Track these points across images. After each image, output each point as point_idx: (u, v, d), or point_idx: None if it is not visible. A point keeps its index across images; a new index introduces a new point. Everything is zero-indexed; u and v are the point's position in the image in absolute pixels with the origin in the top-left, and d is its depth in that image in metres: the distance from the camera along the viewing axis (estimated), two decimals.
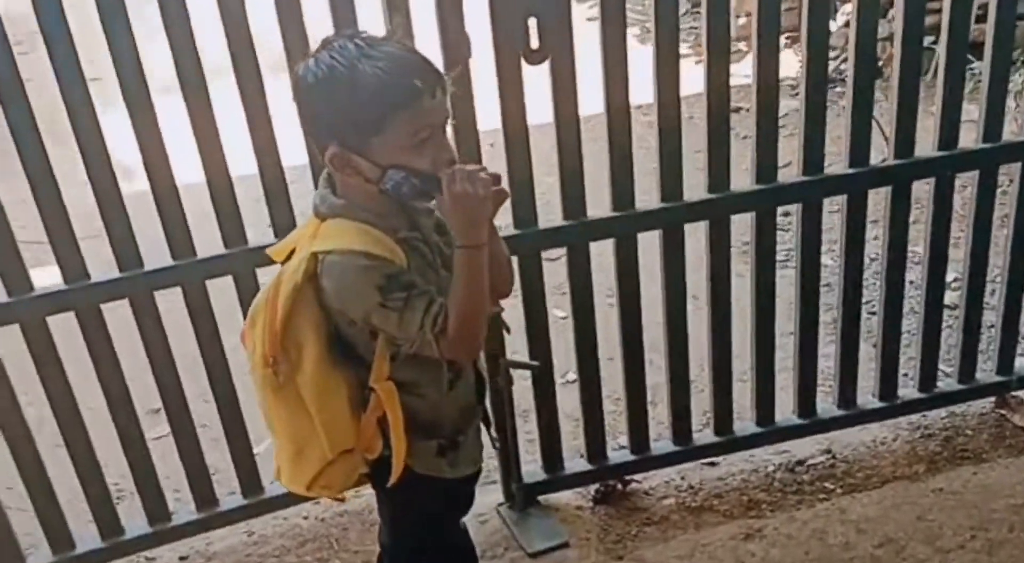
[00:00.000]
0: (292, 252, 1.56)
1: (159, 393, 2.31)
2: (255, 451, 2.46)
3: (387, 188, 1.47)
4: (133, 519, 2.45)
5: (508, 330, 2.19)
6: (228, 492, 2.51)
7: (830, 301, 2.67)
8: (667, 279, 2.39)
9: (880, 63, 3.57)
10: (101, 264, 2.20)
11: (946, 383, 2.76)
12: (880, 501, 2.48)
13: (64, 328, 2.20)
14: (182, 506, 2.48)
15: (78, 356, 2.22)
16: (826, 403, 2.69)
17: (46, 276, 2.22)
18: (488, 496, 2.56)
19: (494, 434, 1.84)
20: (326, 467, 1.59)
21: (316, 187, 1.60)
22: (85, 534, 2.40)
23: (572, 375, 2.56)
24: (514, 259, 2.20)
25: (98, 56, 1.99)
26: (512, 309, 2.21)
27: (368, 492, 1.82)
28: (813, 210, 2.41)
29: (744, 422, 2.66)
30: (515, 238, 2.21)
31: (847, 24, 2.40)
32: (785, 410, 2.66)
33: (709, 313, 2.46)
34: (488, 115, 2.13)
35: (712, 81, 2.19)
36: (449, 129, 1.53)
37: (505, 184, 1.59)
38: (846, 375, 2.64)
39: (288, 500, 2.47)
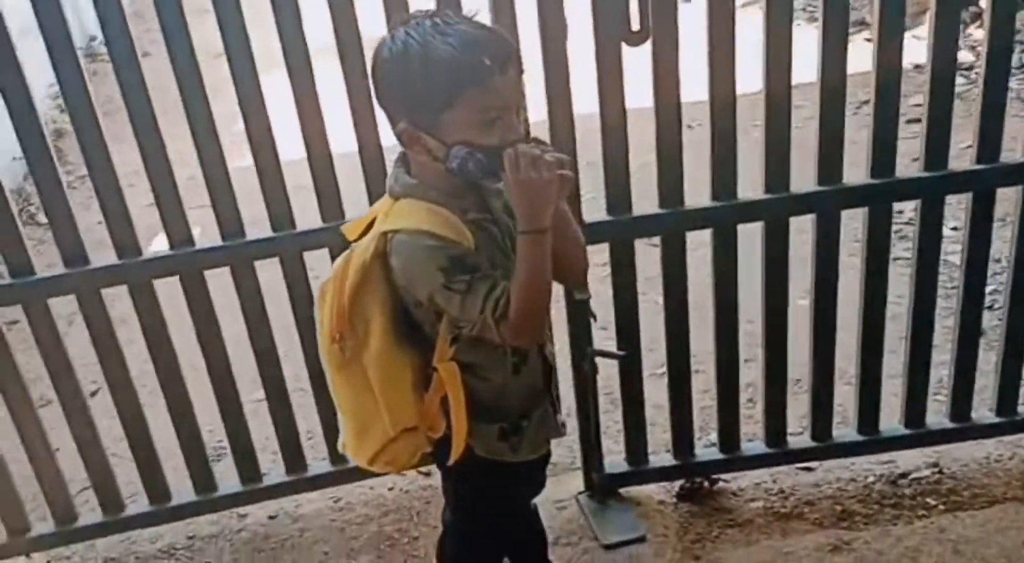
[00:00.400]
0: (368, 229, 1.58)
1: (255, 359, 2.37)
2: None
3: (453, 166, 1.46)
4: (227, 477, 2.54)
5: (595, 317, 2.16)
6: (319, 458, 2.58)
7: (950, 305, 2.51)
8: (767, 273, 2.29)
9: None
10: (206, 233, 2.28)
11: None
12: (984, 523, 2.32)
13: (170, 292, 2.29)
14: (274, 468, 2.56)
15: (182, 320, 2.31)
16: (937, 414, 2.53)
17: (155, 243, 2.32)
18: (569, 483, 2.54)
19: (563, 420, 1.80)
20: (388, 444, 1.61)
21: None
22: (181, 488, 2.51)
23: (663, 368, 2.50)
24: (604, 247, 2.19)
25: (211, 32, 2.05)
26: (601, 297, 2.19)
27: None
28: (933, 206, 2.25)
29: (846, 428, 2.53)
30: (607, 224, 2.17)
31: None
32: (891, 418, 2.53)
33: (812, 311, 2.34)
34: (585, 98, 2.09)
35: (882, 62, 2.07)
36: (533, 112, 1.50)
37: (592, 167, 1.55)
38: (960, 386, 2.47)
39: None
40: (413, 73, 1.41)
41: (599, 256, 2.14)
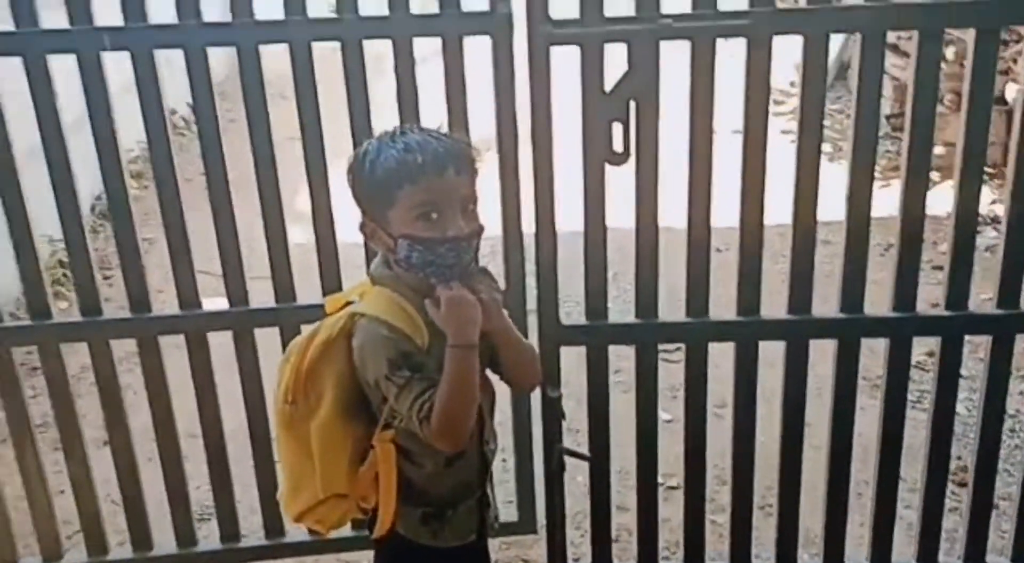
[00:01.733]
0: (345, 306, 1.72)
1: (247, 424, 2.52)
2: None
3: (400, 257, 1.61)
4: (210, 537, 2.67)
5: (563, 416, 2.26)
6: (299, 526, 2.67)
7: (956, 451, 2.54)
8: (787, 390, 2.36)
9: None
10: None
11: None
12: None
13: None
14: (255, 532, 2.67)
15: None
16: (904, 553, 2.54)
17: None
18: None
19: (495, 515, 1.88)
20: (317, 505, 1.71)
21: None
22: (165, 540, 2.63)
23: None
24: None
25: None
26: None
27: None
28: (952, 346, 2.31)
29: (811, 556, 2.55)
30: (582, 329, 2.30)
31: None
32: (859, 552, 2.54)
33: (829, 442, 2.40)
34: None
35: (907, 206, 2.20)
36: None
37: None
38: (927, 526, 2.48)
39: (354, 543, 2.61)
40: (364, 175, 1.60)
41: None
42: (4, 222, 2.29)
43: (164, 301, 2.55)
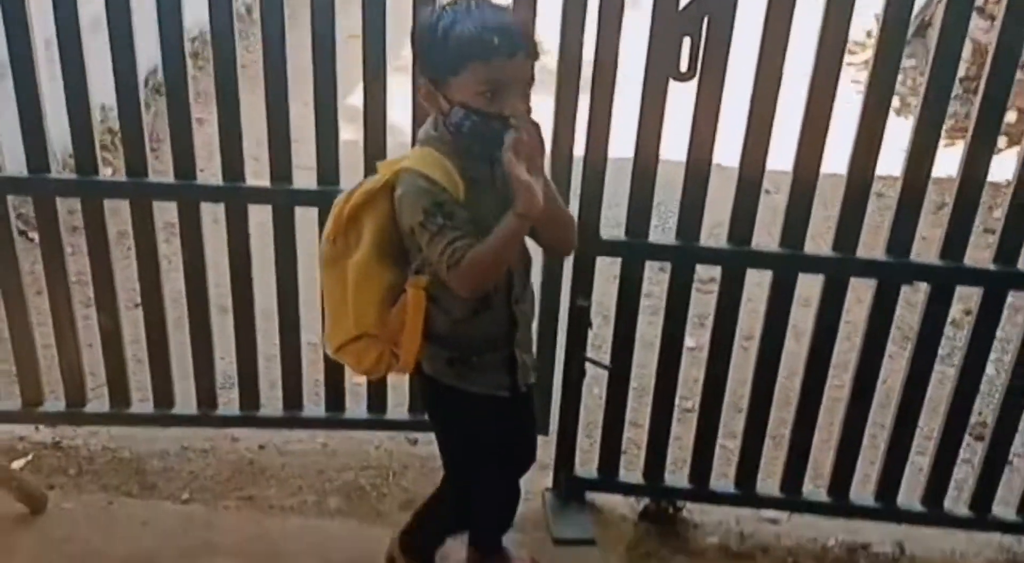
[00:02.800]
0: None
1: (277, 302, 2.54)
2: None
3: (453, 122, 1.69)
4: (229, 404, 2.73)
5: (590, 325, 2.28)
6: (317, 403, 2.74)
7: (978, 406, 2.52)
8: (818, 328, 2.34)
9: None
10: None
11: None
12: None
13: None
14: (271, 403, 2.73)
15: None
16: (910, 496, 2.57)
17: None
18: (541, 479, 2.64)
19: (527, 381, 1.96)
20: (351, 341, 1.84)
21: None
22: (186, 401, 2.70)
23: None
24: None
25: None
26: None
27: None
28: (994, 299, 2.28)
29: (816, 487, 2.59)
30: (622, 244, 2.28)
31: None
32: (865, 489, 2.57)
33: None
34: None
35: (969, 167, 2.14)
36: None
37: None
38: (937, 474, 2.51)
39: (364, 424, 2.71)
40: (436, 41, 1.66)
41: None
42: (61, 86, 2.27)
43: (207, 177, 2.53)
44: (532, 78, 1.69)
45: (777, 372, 2.42)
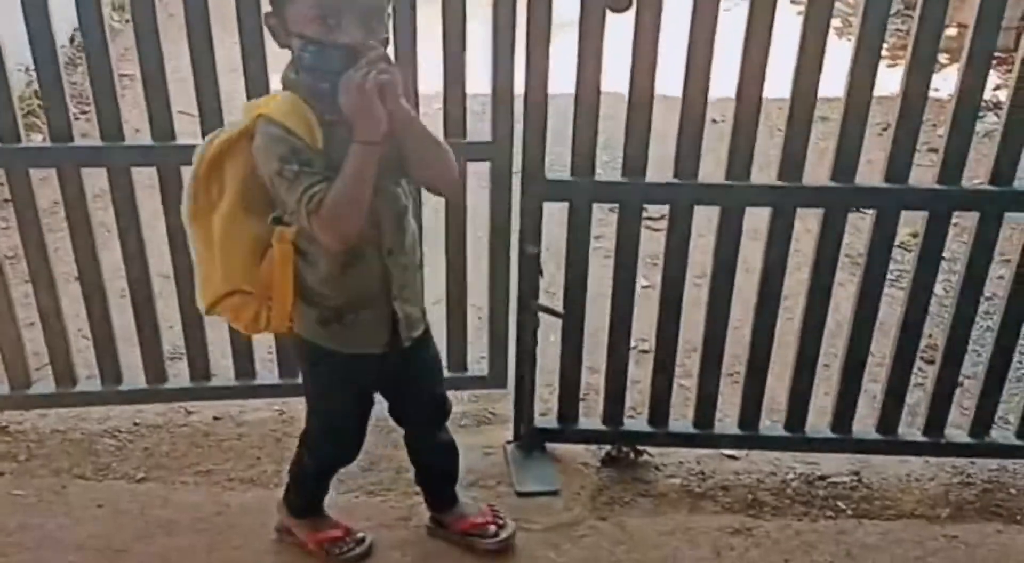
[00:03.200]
0: None
1: None
2: None
3: (296, 55, 1.64)
4: (179, 375, 2.67)
5: (541, 273, 2.25)
6: (268, 370, 2.69)
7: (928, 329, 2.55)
8: (767, 260, 2.35)
9: None
10: None
11: (1001, 434, 2.61)
12: (885, 533, 2.40)
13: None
14: (223, 372, 2.68)
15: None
16: (865, 424, 2.60)
17: None
18: (501, 432, 2.64)
19: (411, 334, 1.90)
20: (224, 298, 1.79)
21: None
22: (134, 376, 2.63)
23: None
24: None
25: None
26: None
27: None
28: (939, 221, 2.30)
29: (773, 422, 2.61)
30: (568, 184, 2.25)
31: None
32: (821, 421, 2.60)
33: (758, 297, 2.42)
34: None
35: (910, 87, 2.14)
36: None
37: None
38: (891, 399, 2.54)
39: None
40: None
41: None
42: None
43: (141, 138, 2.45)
44: (378, 8, 1.64)
45: (729, 309, 2.42)
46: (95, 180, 2.39)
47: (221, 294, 1.78)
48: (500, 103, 2.26)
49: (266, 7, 1.73)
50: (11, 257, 2.50)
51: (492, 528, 2.23)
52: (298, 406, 2.69)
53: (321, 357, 1.86)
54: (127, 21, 2.32)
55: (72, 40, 4.48)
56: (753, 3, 2.09)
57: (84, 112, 3.43)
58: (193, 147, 2.25)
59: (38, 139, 3.18)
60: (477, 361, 2.72)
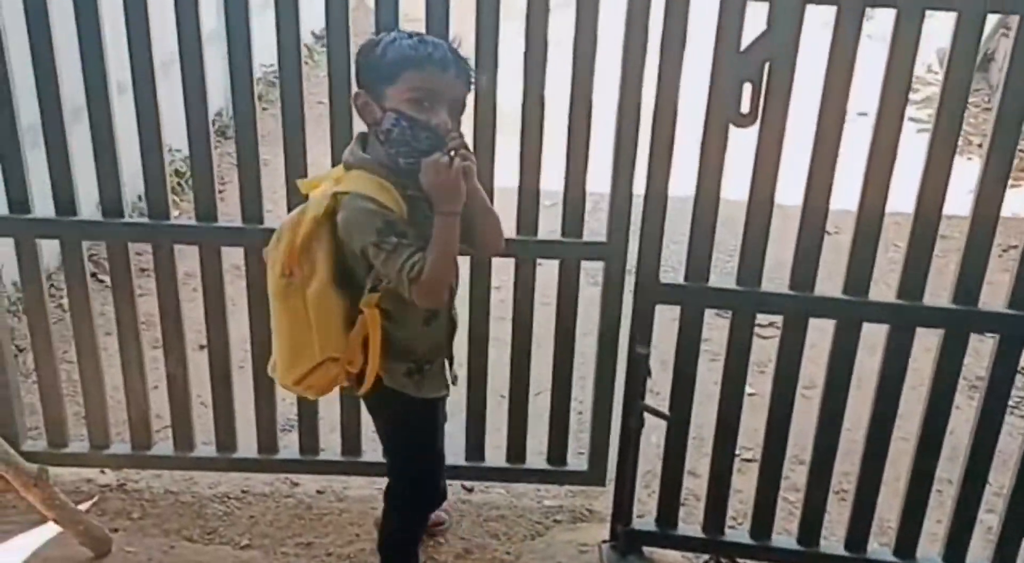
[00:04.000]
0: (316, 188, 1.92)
1: None
2: None
3: (384, 128, 1.78)
4: (289, 447, 2.77)
5: (648, 373, 2.26)
6: (373, 449, 2.75)
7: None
8: (883, 377, 2.33)
9: None
10: None
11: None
12: None
13: None
14: (331, 447, 2.75)
15: None
16: (979, 556, 2.48)
17: None
18: (598, 531, 2.61)
19: (455, 373, 2.09)
20: (314, 368, 1.88)
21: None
22: (247, 445, 2.73)
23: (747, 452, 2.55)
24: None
25: None
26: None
27: None
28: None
29: (881, 546, 2.52)
30: (679, 288, 2.28)
31: None
32: (932, 548, 2.49)
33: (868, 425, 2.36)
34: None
35: None
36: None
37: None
38: (1008, 533, 2.41)
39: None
40: (374, 55, 1.80)
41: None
42: (133, 126, 2.36)
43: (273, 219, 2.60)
44: (463, 103, 1.83)
45: (841, 423, 2.37)
46: (228, 256, 2.53)
47: (316, 364, 1.87)
48: (617, 208, 2.31)
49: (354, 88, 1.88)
50: (143, 323, 2.64)
51: None
52: None
53: (409, 406, 1.99)
54: (264, 109, 2.46)
55: (213, 123, 4.78)
56: (880, 118, 2.09)
57: (220, 191, 3.63)
58: None
59: (175, 214, 3.38)
60: (576, 456, 2.72)
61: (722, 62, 2.08)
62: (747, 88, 2.08)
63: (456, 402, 2.27)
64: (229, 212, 2.54)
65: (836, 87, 2.07)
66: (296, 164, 2.38)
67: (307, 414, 2.67)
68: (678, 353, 2.35)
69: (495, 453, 2.73)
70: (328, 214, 1.80)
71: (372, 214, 1.76)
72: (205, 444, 2.75)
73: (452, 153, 1.76)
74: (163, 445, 2.75)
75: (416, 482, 2.17)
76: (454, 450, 2.68)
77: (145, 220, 2.47)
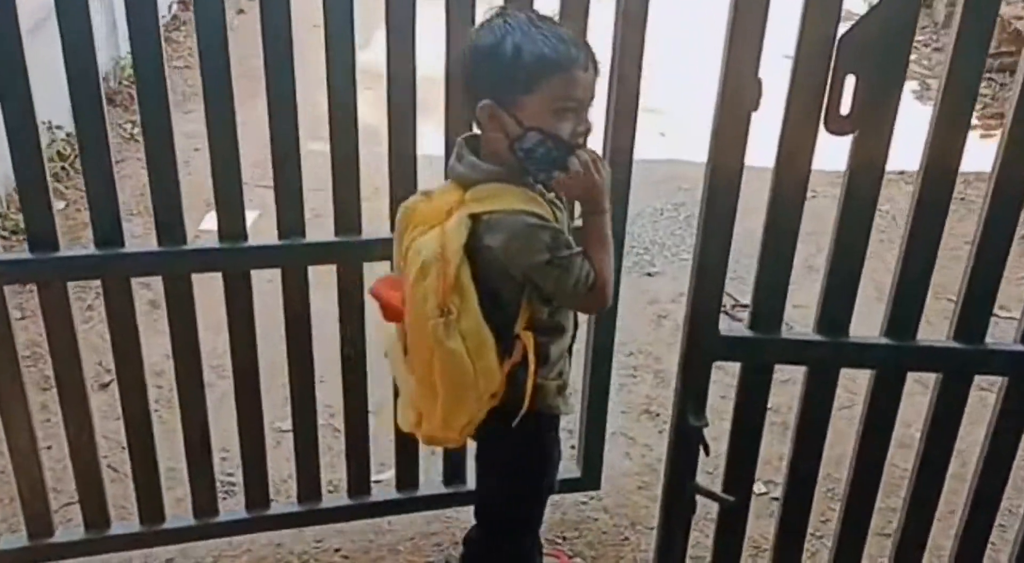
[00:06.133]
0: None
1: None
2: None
3: (524, 147, 1.54)
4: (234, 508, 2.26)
5: (707, 451, 1.76)
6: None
7: None
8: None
9: None
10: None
11: None
12: None
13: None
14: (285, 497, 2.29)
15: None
16: None
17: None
18: None
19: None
20: (478, 410, 1.63)
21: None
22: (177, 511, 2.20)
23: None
24: None
25: None
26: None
27: None
28: None
29: None
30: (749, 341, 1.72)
31: None
32: None
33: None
34: None
35: (1007, 160, 1.59)
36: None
37: None
38: None
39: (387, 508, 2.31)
40: (505, 56, 1.51)
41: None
42: None
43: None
44: (594, 97, 1.59)
45: (940, 494, 1.87)
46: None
47: (480, 406, 1.61)
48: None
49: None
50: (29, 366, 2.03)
51: None
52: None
53: (553, 424, 1.81)
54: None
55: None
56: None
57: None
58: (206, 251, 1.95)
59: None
60: (568, 461, 2.36)
61: (812, 45, 1.49)
62: (850, 83, 1.50)
63: None
64: (130, 207, 1.94)
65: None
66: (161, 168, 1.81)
67: (252, 464, 2.14)
68: (738, 420, 1.81)
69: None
70: (470, 237, 1.55)
71: (538, 229, 1.55)
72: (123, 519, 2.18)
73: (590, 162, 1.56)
74: (70, 529, 2.17)
75: (540, 497, 1.89)
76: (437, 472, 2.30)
77: (26, 255, 1.86)
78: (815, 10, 1.49)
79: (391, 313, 1.66)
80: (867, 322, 1.78)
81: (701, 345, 1.72)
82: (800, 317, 2.10)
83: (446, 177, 1.66)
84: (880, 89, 1.53)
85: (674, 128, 4.09)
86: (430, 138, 1.94)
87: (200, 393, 2.04)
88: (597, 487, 2.40)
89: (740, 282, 1.84)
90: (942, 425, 1.81)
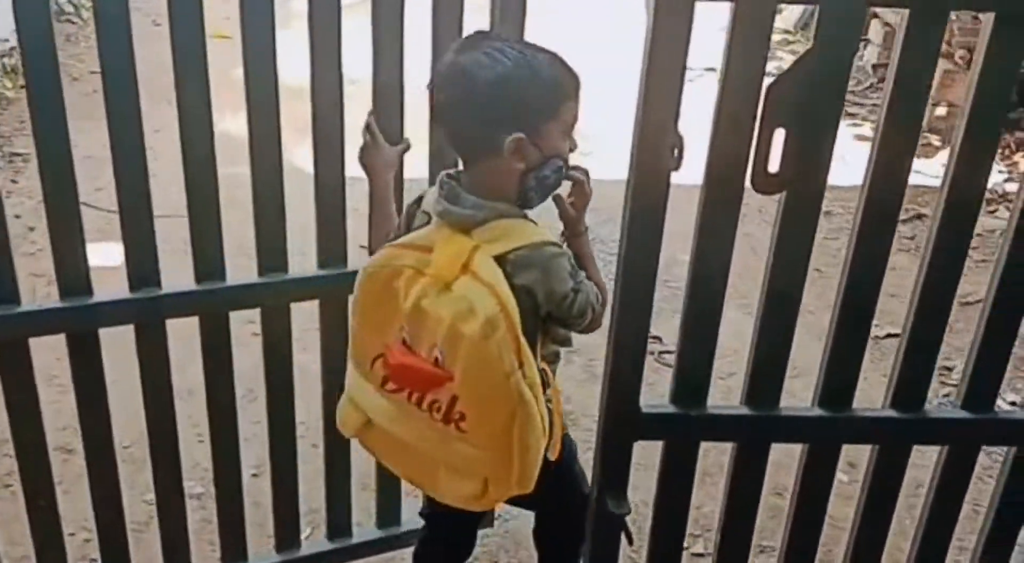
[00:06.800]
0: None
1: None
2: None
3: (544, 175, 1.50)
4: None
5: (630, 541, 1.64)
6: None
7: None
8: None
9: None
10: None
11: None
12: None
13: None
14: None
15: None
16: None
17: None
18: None
19: None
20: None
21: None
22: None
23: None
24: None
25: None
26: None
27: None
28: None
29: None
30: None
31: None
32: None
33: None
34: None
35: (878, 172, 1.44)
36: None
37: None
38: None
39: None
40: (524, 86, 1.45)
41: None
42: None
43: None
44: None
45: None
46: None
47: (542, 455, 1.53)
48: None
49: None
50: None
51: None
52: None
53: (570, 445, 1.79)
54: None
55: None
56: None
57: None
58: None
59: None
60: None
61: (736, 98, 1.34)
62: (779, 137, 1.36)
63: None
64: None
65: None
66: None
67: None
68: (661, 502, 1.65)
69: None
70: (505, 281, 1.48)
71: (560, 257, 1.53)
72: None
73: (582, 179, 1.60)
74: None
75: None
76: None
77: None
78: (739, 58, 1.34)
79: (414, 379, 1.49)
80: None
81: (621, 423, 1.56)
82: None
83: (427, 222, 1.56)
84: (812, 142, 1.39)
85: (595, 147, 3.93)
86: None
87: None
88: None
89: (661, 317, 1.71)
90: (875, 499, 1.68)
